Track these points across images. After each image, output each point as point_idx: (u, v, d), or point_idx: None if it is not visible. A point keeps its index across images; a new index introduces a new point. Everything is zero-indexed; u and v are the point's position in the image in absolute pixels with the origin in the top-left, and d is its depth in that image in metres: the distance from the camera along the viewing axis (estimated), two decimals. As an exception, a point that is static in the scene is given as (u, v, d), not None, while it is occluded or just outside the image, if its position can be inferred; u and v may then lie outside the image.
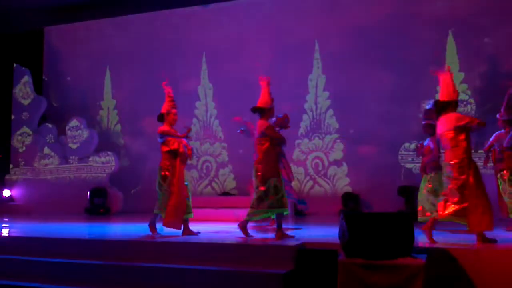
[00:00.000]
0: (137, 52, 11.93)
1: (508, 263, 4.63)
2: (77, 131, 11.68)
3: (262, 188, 5.74)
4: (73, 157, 11.59)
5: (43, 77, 12.85)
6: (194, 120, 11.23)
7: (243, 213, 8.50)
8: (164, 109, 6.55)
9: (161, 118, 6.54)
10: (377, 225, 4.62)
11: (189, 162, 6.57)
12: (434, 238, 5.48)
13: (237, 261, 4.94)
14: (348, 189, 9.82)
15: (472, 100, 9.02)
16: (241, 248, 5.27)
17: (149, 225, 6.25)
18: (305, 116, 10.38)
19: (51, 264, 5.42)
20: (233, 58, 11.03)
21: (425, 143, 6.99)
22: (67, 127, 11.80)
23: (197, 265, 4.93)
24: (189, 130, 6.47)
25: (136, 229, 7.28)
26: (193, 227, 7.63)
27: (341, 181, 9.91)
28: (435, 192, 6.65)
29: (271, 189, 5.70)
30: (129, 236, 6.39)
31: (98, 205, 10.69)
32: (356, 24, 10.10)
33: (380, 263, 4.46)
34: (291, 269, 4.83)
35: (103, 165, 11.38)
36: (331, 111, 10.16)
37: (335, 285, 4.50)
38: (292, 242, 5.29)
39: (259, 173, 5.82)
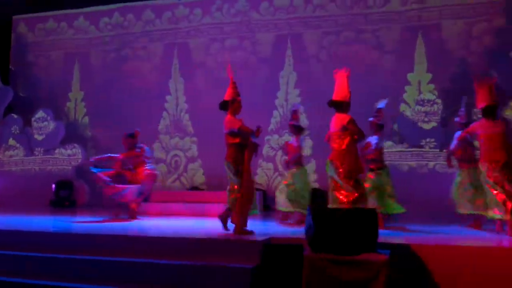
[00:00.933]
0: (107, 44, 11.76)
1: (468, 260, 4.75)
2: (43, 122, 11.44)
3: (350, 183, 5.61)
4: (39, 149, 11.36)
5: (10, 66, 12.54)
6: (164, 113, 11.13)
7: (211, 208, 8.58)
8: (228, 96, 6.14)
9: (224, 106, 6.13)
10: (342, 220, 4.68)
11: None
12: (398, 234, 5.62)
13: (204, 256, 4.93)
14: (316, 185, 9.87)
15: (439, 100, 9.18)
16: (208, 243, 5.27)
17: (221, 220, 6.03)
18: (275, 113, 10.41)
19: (14, 257, 5.31)
20: (205, 53, 10.98)
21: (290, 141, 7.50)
22: (33, 118, 11.55)
23: (164, 259, 4.90)
24: (261, 130, 6.00)
25: (101, 222, 7.21)
26: (161, 222, 7.62)
27: (310, 177, 9.95)
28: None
29: (359, 185, 5.66)
30: (94, 229, 6.31)
31: (64, 197, 10.51)
32: (328, 23, 10.18)
33: (345, 258, 4.52)
34: (258, 263, 4.85)
35: (69, 157, 11.19)
36: (301, 108, 10.19)
37: (301, 279, 4.55)
38: (259, 237, 5.31)
39: (341, 170, 5.66)
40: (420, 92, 9.37)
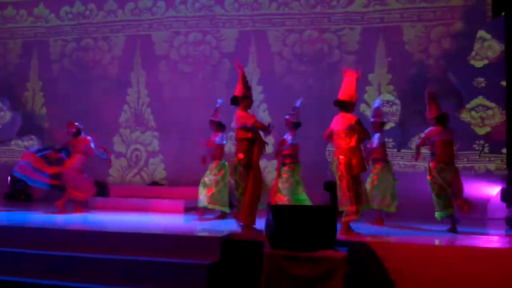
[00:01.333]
0: (67, 33, 11.48)
1: (425, 258, 4.90)
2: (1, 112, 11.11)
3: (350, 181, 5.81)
4: (-6, 140, 11.04)
5: (-35, 54, 12.11)
6: (126, 107, 10.97)
7: (171, 203, 8.55)
8: (238, 91, 6.14)
9: (235, 101, 6.13)
10: (302, 217, 4.75)
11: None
12: (356, 232, 5.75)
13: (161, 252, 4.92)
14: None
15: (398, 101, 9.40)
16: (166, 239, 5.25)
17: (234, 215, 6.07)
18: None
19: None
20: (168, 46, 10.87)
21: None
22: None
23: (122, 255, 4.85)
24: (272, 126, 6.17)
25: (57, 217, 7.07)
26: (120, 217, 7.53)
27: (270, 174, 10.03)
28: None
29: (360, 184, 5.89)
30: (50, 223, 6.18)
31: (19, 190, 10.22)
32: (292, 21, 10.26)
33: (303, 255, 4.59)
34: (216, 260, 4.86)
35: (26, 149, 10.87)
36: (264, 105, 10.26)
37: (260, 276, 4.59)
38: (218, 233, 5.33)
39: (354, 162, 5.80)
40: (380, 93, 9.55)
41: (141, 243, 5.06)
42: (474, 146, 8.94)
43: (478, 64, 9.10)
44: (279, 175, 7.50)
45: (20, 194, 10.19)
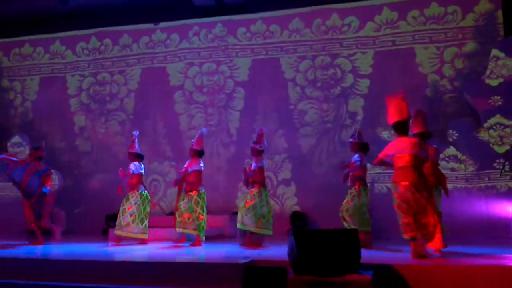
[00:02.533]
0: (84, 68, 11.72)
1: (453, 280, 4.81)
2: (19, 147, 11.25)
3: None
4: (13, 175, 11.12)
5: (-16, 92, 12.39)
6: (143, 138, 11.05)
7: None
8: (405, 116, 6.09)
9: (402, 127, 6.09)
10: (325, 242, 4.71)
11: None
12: (380, 255, 5.66)
13: (185, 280, 4.89)
14: (297, 208, 9.93)
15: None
16: (189, 267, 5.22)
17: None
18: (253, 136, 10.43)
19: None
20: (183, 77, 11.03)
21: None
22: (8, 144, 11.36)
23: (147, 285, 4.84)
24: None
25: (79, 249, 7.09)
26: (140, 247, 7.54)
27: (290, 200, 10.02)
28: None
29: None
30: (75, 255, 6.20)
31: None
32: (304, 48, 10.39)
33: (328, 280, 4.54)
34: (239, 287, 4.82)
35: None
36: (279, 131, 10.30)
37: (284, 302, 4.54)
38: (240, 260, 5.29)
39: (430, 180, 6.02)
40: (395, 115, 9.54)
41: (165, 272, 5.04)
42: (495, 164, 8.85)
43: (494, 82, 9.08)
44: None
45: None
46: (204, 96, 10.91)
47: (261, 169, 7.67)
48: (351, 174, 7.39)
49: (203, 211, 7.62)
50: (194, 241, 7.55)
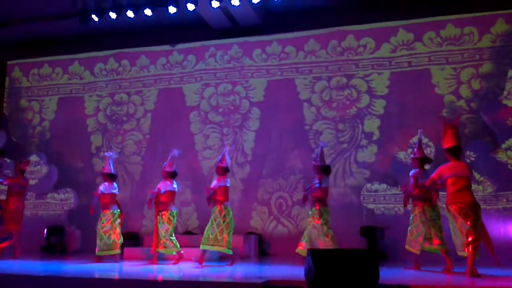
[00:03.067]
0: (101, 89, 11.89)
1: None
2: (36, 166, 11.39)
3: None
4: (31, 193, 11.23)
5: (3, 111, 12.58)
6: (158, 158, 11.14)
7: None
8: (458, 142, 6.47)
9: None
10: (342, 261, 4.66)
11: None
12: (398, 275, 5.57)
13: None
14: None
15: (431, 144, 9.29)
16: (205, 286, 5.19)
17: None
18: (268, 157, 10.47)
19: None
20: (199, 97, 11.13)
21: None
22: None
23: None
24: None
25: (92, 267, 7.09)
26: (156, 266, 7.52)
27: (305, 221, 9.93)
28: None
29: None
30: (87, 273, 6.20)
31: (55, 243, 10.34)
32: (320, 69, 10.44)
33: (346, 300, 4.48)
34: (256, 307, 4.78)
35: (61, 202, 11.08)
36: (295, 152, 10.29)
37: (301, 322, 4.48)
38: (256, 280, 5.25)
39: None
40: (412, 136, 9.48)
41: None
42: (513, 186, 8.75)
43: (511, 103, 9.02)
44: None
45: (55, 247, 10.28)
46: (219, 116, 10.97)
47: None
48: (311, 195, 7.64)
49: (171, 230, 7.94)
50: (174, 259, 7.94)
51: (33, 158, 11.50)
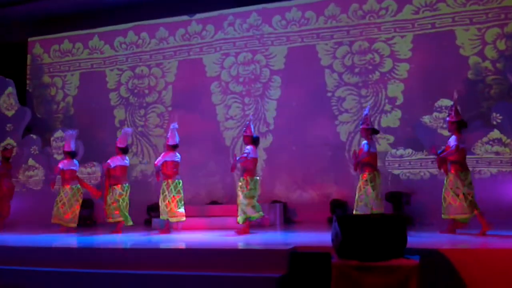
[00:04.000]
0: (122, 63, 11.93)
1: (500, 264, 4.69)
2: (62, 142, 11.54)
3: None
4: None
5: (27, 88, 12.73)
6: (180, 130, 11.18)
7: (231, 221, 8.59)
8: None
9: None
10: (370, 227, 4.66)
11: None
12: (426, 240, 5.57)
13: (230, 266, 4.92)
14: (336, 196, 9.84)
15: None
16: (233, 254, 5.27)
17: None
18: (291, 125, 10.42)
19: (39, 273, 5.35)
20: (219, 68, 11.07)
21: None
22: (52, 138, 11.68)
23: (191, 271, 4.90)
24: None
25: (127, 238, 7.24)
26: (184, 235, 7.65)
27: (329, 188, 9.95)
28: None
29: None
30: (123, 244, 6.34)
31: (85, 216, 10.54)
32: (341, 33, 10.26)
33: (373, 264, 4.49)
34: (284, 273, 4.83)
35: (89, 175, 11.27)
36: (318, 119, 10.22)
37: (330, 287, 4.52)
38: (284, 246, 5.30)
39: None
40: (436, 100, 9.31)
41: (210, 259, 5.10)
42: (540, 144, 8.59)
43: (538, 62, 8.79)
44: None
45: (85, 220, 10.50)
46: (240, 86, 10.92)
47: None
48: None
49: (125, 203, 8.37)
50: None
51: (59, 133, 11.66)
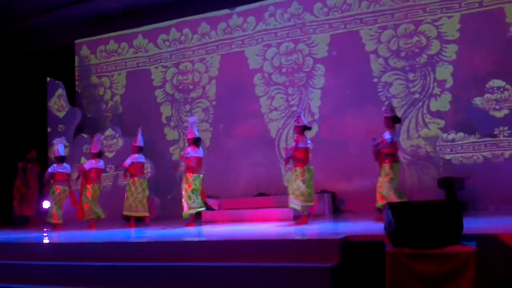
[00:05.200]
0: (166, 60, 12.09)
1: None
2: (112, 140, 11.85)
3: None
4: (110, 165, 11.72)
5: (76, 89, 13.11)
6: (226, 122, 11.27)
7: (280, 212, 8.60)
8: None
9: None
10: (423, 214, 4.54)
11: None
12: (483, 225, 5.40)
13: (283, 257, 4.92)
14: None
15: (509, 86, 8.77)
16: (285, 244, 5.26)
17: None
18: (336, 113, 10.28)
19: (100, 268, 5.51)
20: (261, 59, 11.05)
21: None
22: (102, 137, 11.99)
23: (244, 262, 4.93)
24: None
25: (178, 232, 7.35)
26: (234, 227, 7.71)
27: (378, 176, 9.75)
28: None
29: None
30: (175, 237, 6.44)
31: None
32: (385, 17, 10.03)
33: (429, 252, 4.38)
34: (337, 262, 4.78)
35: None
36: (364, 106, 10.05)
37: (384, 276, 4.44)
38: (335, 236, 5.24)
39: None
40: (487, 81, 8.97)
41: (263, 250, 5.10)
42: None
43: None
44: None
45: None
46: (283, 76, 10.87)
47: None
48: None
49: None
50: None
51: (109, 132, 11.95)
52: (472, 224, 5.64)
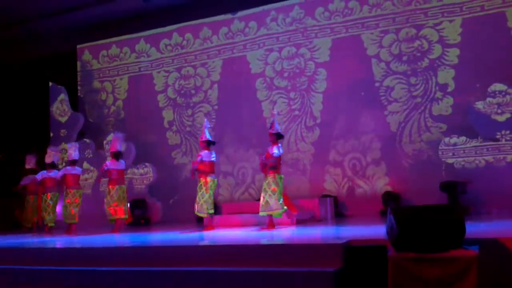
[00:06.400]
0: (168, 64, 12.10)
1: None
2: (114, 144, 11.86)
3: None
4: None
5: (78, 94, 13.14)
6: (227, 127, 11.26)
7: (282, 217, 8.56)
8: None
9: None
10: (425, 218, 4.53)
11: None
12: (485, 229, 5.38)
13: (285, 261, 4.90)
14: (388, 188, 9.66)
15: (511, 90, 8.77)
16: (288, 248, 5.24)
17: None
18: (338, 117, 10.30)
19: (106, 272, 5.50)
20: (263, 64, 11.06)
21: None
22: (105, 141, 12.01)
23: (246, 267, 4.92)
24: None
25: (181, 236, 7.35)
26: (236, 232, 7.70)
27: (380, 180, 9.78)
28: None
29: None
30: (177, 242, 6.44)
31: (138, 216, 10.79)
32: (387, 21, 10.05)
33: (431, 256, 4.37)
34: (340, 267, 4.77)
35: (141, 176, 11.52)
36: (366, 110, 10.06)
37: (386, 280, 4.43)
38: (337, 240, 5.23)
39: None
40: (489, 85, 8.97)
41: (265, 254, 5.09)
42: None
43: None
44: None
45: (139, 219, 10.74)
46: (285, 81, 10.88)
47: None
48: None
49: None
50: None
51: (111, 136, 11.95)
52: (474, 228, 5.63)
